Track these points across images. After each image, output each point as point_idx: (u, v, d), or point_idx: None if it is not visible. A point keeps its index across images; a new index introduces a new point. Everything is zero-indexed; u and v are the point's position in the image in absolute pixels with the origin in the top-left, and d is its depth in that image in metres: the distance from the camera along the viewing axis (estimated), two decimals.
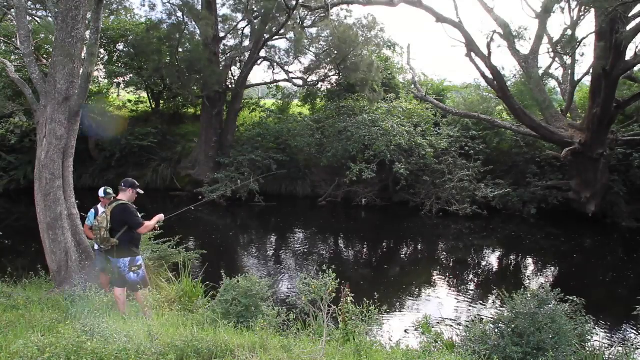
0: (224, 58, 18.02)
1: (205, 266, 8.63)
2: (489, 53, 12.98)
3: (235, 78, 18.66)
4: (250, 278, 5.50)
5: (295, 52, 18.30)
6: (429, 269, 10.74)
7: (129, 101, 20.94)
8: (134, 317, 5.17)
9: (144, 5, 25.50)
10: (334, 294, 4.42)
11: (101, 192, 6.33)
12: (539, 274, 10.71)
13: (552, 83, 16.76)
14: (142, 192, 5.69)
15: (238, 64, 18.76)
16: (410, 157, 15.74)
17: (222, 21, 17.85)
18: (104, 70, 18.65)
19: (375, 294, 7.52)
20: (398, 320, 7.71)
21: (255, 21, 17.32)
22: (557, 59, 14.62)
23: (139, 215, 5.39)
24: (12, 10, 9.62)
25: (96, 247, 6.24)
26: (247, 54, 17.60)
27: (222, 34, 17.92)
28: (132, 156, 17.79)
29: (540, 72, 14.37)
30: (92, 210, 6.39)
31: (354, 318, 4.94)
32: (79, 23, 6.58)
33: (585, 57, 41.72)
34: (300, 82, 18.85)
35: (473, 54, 13.36)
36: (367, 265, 10.97)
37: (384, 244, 13.07)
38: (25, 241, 11.45)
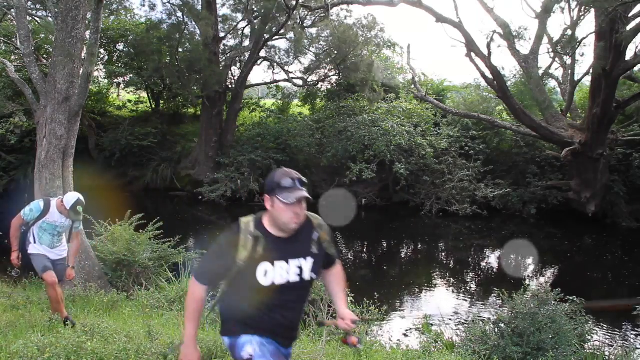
0: (224, 58, 18.02)
1: None
2: (489, 53, 12.98)
3: (235, 78, 18.66)
4: None
5: (295, 52, 18.29)
6: (429, 269, 10.74)
7: (129, 101, 20.93)
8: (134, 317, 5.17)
9: (144, 5, 25.40)
10: None
11: (69, 205, 4.52)
12: (539, 274, 10.72)
13: (552, 83, 16.75)
14: (290, 201, 2.14)
15: (238, 64, 18.76)
16: (410, 157, 15.73)
17: (222, 21, 17.84)
18: (104, 70, 18.63)
19: (375, 294, 7.51)
20: (398, 320, 7.71)
21: (255, 21, 17.31)
22: (557, 59, 14.62)
23: (208, 256, 2.37)
24: (12, 10, 9.63)
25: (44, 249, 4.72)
26: (247, 54, 17.60)
27: (222, 34, 17.92)
28: (132, 156, 17.78)
29: (540, 72, 14.37)
30: (41, 203, 4.69)
31: None
32: (79, 23, 6.59)
33: (585, 57, 41.59)
34: (300, 82, 18.85)
35: (473, 54, 13.36)
36: (367, 265, 10.98)
37: (384, 244, 13.08)
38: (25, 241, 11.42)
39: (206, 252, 2.36)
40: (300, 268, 2.22)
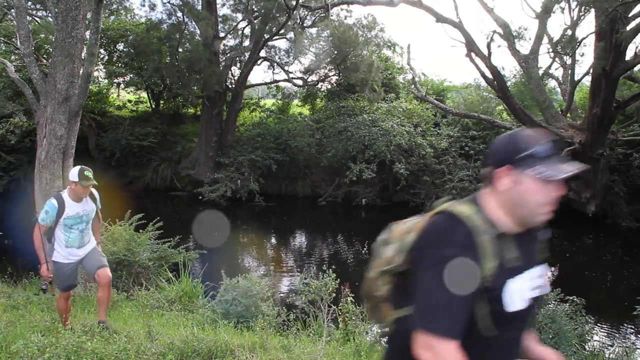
0: (224, 58, 18.03)
1: (205, 266, 8.62)
2: (489, 53, 12.98)
3: (235, 78, 18.68)
4: (250, 278, 5.49)
5: (295, 52, 18.32)
6: None
7: (129, 101, 20.94)
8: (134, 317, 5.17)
9: (144, 5, 25.50)
10: (334, 294, 4.41)
11: (76, 176, 4.11)
12: None
13: (552, 83, 16.75)
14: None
15: (238, 64, 18.78)
16: (410, 157, 15.74)
17: (222, 21, 17.86)
18: (104, 70, 18.66)
19: None
20: None
21: (255, 21, 17.33)
22: (557, 59, 14.61)
23: (436, 285, 1.27)
24: (12, 10, 9.63)
25: (64, 250, 4.30)
26: (247, 54, 17.61)
27: (222, 34, 17.93)
28: (132, 156, 17.79)
29: (540, 72, 14.35)
30: (54, 201, 4.18)
31: (354, 318, 4.93)
32: (79, 23, 6.59)
33: (585, 57, 41.64)
34: (300, 82, 18.87)
35: (473, 54, 13.36)
36: (367, 265, 10.96)
37: None
38: (25, 241, 11.43)
39: (425, 278, 1.30)
40: (539, 279, 1.46)
